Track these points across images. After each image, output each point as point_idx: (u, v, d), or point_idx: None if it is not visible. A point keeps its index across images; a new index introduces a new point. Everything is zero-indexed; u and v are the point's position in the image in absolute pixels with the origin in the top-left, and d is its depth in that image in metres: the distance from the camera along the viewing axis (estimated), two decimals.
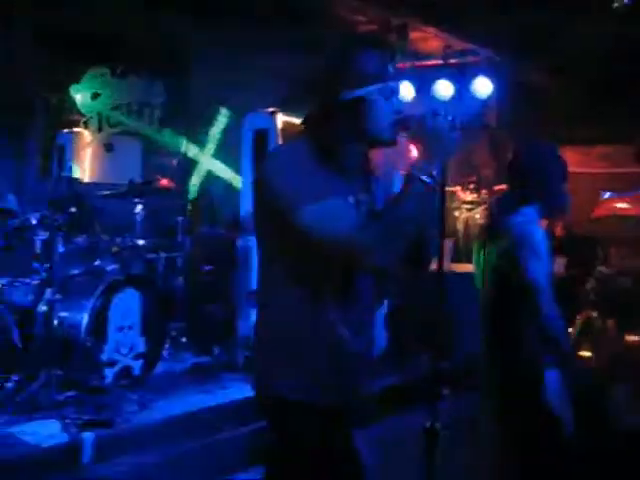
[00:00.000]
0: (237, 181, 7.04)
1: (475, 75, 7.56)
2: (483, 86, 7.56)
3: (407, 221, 2.01)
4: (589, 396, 2.95)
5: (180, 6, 6.52)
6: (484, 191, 8.93)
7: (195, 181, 7.26)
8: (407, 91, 7.83)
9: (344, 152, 2.11)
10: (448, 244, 8.46)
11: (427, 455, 2.17)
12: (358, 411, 2.28)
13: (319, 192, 1.99)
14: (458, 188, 9.20)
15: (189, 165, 7.28)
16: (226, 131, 7.41)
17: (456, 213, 9.09)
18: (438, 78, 7.64)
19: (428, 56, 7.88)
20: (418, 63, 7.97)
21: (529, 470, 3.03)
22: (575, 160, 8.41)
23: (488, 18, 6.65)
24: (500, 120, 8.93)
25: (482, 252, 3.20)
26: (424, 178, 2.02)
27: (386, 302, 6.30)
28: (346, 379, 2.19)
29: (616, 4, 5.40)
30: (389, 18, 6.99)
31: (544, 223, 3.10)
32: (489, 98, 7.67)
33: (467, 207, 8.97)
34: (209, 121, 7.48)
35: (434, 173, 2.03)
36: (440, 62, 7.72)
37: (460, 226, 8.92)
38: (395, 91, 2.12)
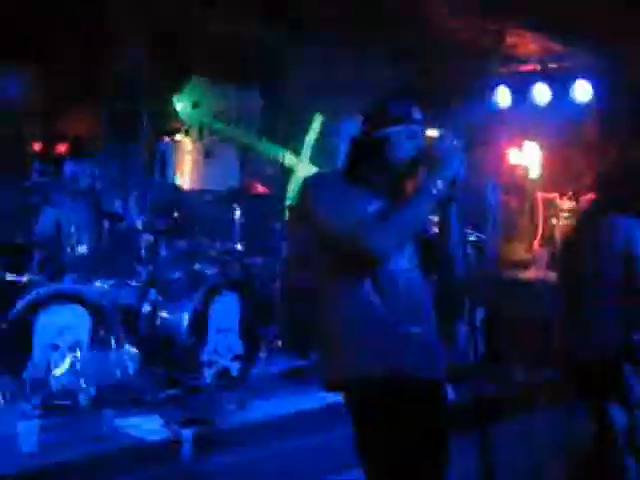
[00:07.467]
0: None
1: (574, 79, 7.39)
2: (583, 91, 7.39)
3: (411, 220, 2.37)
4: None
5: (276, 14, 6.64)
6: (583, 199, 8.70)
7: (293, 186, 7.36)
8: (504, 97, 7.74)
9: (372, 177, 2.50)
10: (545, 253, 8.29)
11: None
12: (434, 392, 2.50)
13: (339, 197, 2.41)
14: (556, 196, 9.00)
15: (286, 171, 7.39)
16: (322, 137, 7.48)
17: (553, 221, 8.89)
18: (537, 83, 7.50)
19: (526, 61, 7.75)
20: (515, 68, 7.86)
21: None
22: None
23: (588, 20, 6.50)
24: (601, 126, 8.69)
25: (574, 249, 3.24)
26: (432, 190, 2.36)
27: (480, 311, 6.23)
28: (397, 355, 2.40)
29: None
30: (485, 24, 6.92)
31: None
32: (589, 103, 7.48)
33: (565, 215, 8.75)
34: (304, 127, 7.58)
35: (440, 187, 2.36)
36: (538, 67, 7.57)
37: (558, 234, 8.72)
38: (417, 133, 2.50)
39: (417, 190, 2.40)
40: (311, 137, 7.48)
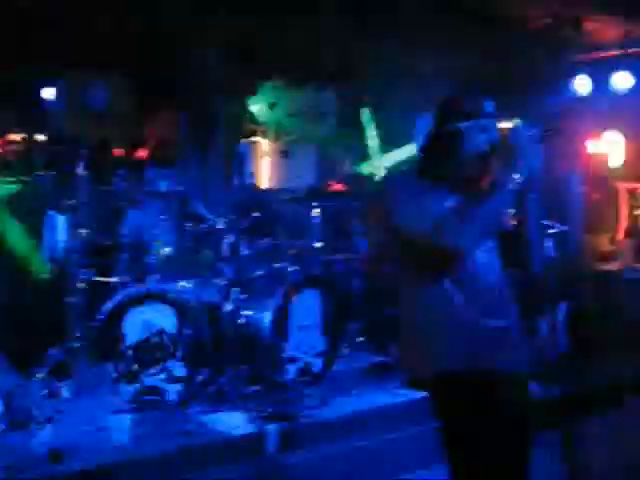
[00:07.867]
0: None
1: None
2: None
3: (489, 217, 2.39)
4: None
5: (350, 14, 6.67)
6: None
7: (369, 184, 7.38)
8: (583, 85, 7.57)
9: (446, 172, 2.51)
10: (629, 244, 8.05)
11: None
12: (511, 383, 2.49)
13: (415, 198, 2.43)
14: (639, 186, 8.73)
15: (363, 169, 7.42)
16: (396, 133, 7.46)
17: (637, 212, 8.61)
18: (617, 69, 7.30)
19: (605, 47, 7.55)
20: (595, 55, 7.66)
21: None
22: None
23: None
24: None
25: None
26: (508, 184, 2.38)
27: (564, 304, 6.11)
28: (479, 349, 2.42)
29: None
30: (561, 12, 6.79)
31: None
32: None
33: None
34: (380, 126, 7.58)
35: (517, 180, 2.38)
36: (618, 53, 7.36)
37: None
38: (489, 126, 2.51)
39: (493, 185, 2.41)
40: (372, 134, 7.45)
